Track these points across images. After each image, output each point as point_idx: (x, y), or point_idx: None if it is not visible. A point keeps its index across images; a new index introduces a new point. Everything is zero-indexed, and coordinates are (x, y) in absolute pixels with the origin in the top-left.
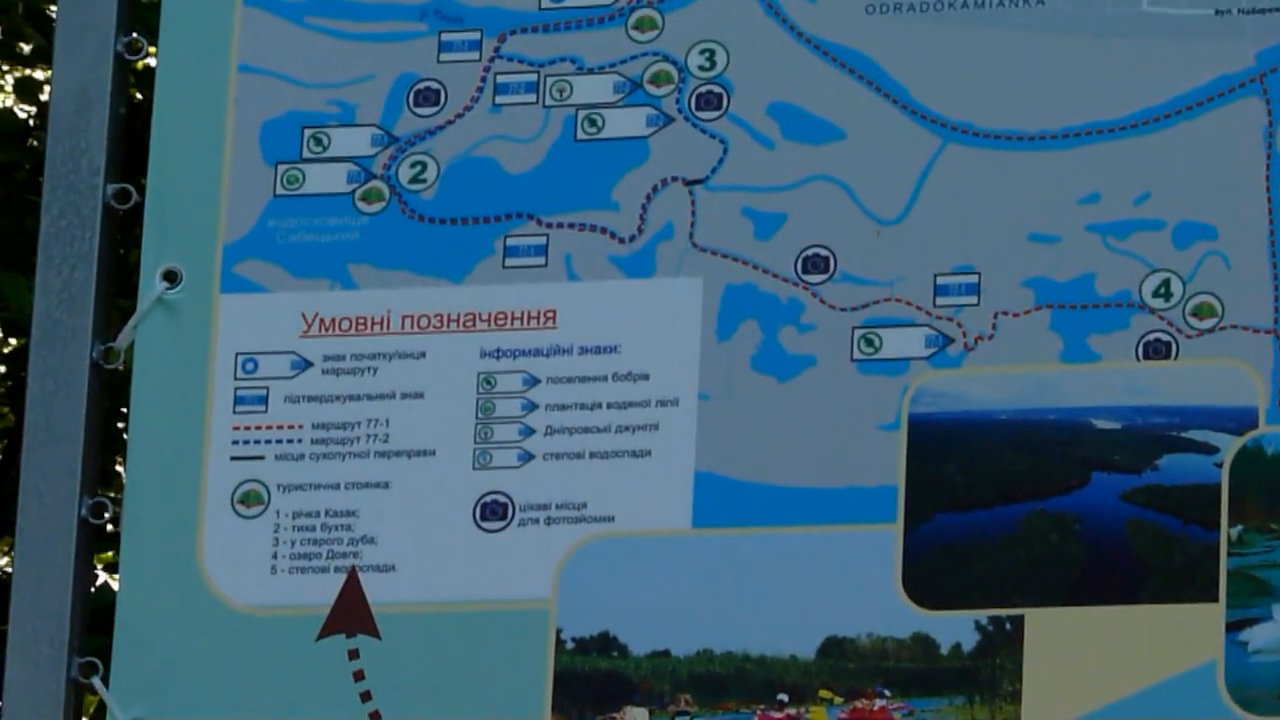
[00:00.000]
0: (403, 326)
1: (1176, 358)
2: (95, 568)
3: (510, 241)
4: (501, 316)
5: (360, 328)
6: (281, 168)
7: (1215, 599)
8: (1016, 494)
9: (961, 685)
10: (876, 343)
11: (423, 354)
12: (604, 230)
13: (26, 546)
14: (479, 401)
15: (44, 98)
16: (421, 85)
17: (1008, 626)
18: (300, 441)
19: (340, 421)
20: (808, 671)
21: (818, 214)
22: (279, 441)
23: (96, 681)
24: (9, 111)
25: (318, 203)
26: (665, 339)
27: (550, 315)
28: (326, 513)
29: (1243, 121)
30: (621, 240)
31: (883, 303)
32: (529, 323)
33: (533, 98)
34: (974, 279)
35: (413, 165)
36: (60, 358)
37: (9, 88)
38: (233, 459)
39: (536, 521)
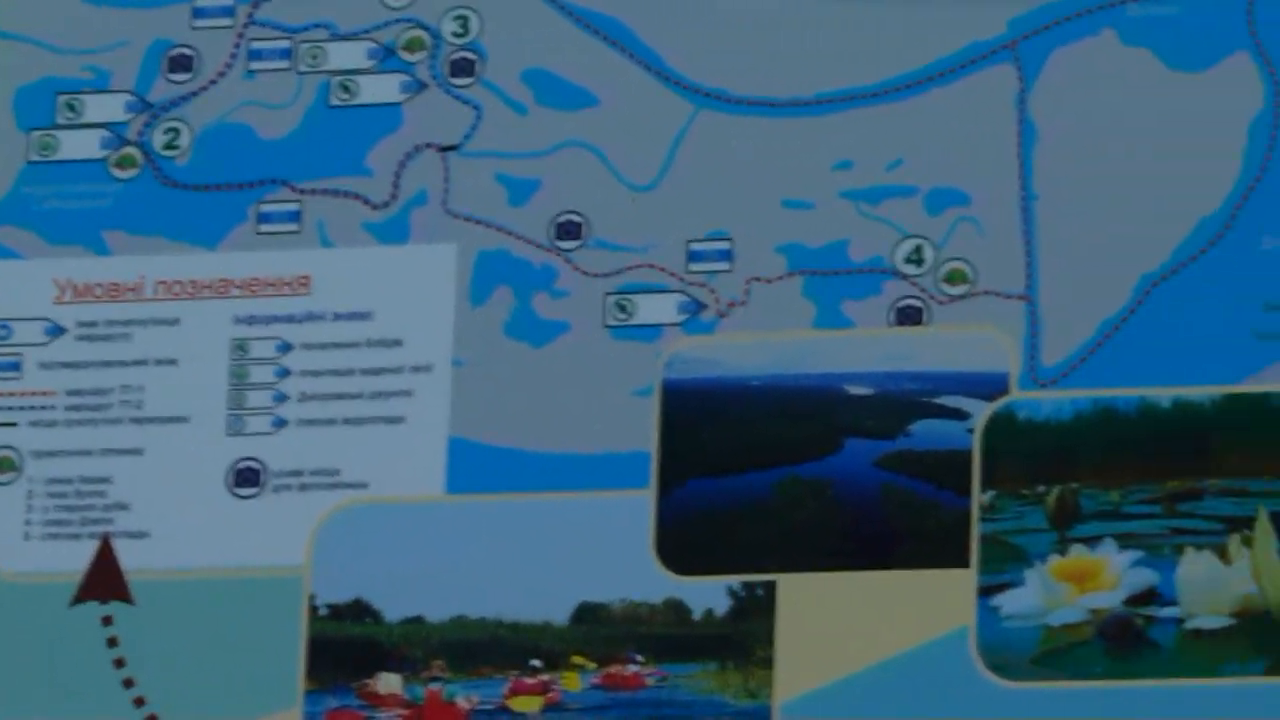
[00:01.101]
0: (156, 293)
1: (929, 324)
2: None
3: (264, 208)
4: (255, 283)
5: (114, 294)
6: (35, 134)
7: (967, 565)
8: (770, 460)
9: (714, 651)
10: (630, 309)
11: (176, 320)
12: (357, 197)
13: None
14: (232, 368)
15: None
16: (175, 51)
17: (760, 592)
18: (54, 408)
19: (94, 388)
20: (561, 637)
21: (571, 180)
22: (32, 408)
23: None
24: None
25: (71, 169)
26: (419, 305)
27: (304, 281)
28: (80, 479)
29: (995, 88)
30: (375, 206)
31: (636, 269)
32: (282, 289)
33: (286, 64)
34: (727, 245)
35: (166, 131)
36: None
37: None
38: None
39: (290, 488)
